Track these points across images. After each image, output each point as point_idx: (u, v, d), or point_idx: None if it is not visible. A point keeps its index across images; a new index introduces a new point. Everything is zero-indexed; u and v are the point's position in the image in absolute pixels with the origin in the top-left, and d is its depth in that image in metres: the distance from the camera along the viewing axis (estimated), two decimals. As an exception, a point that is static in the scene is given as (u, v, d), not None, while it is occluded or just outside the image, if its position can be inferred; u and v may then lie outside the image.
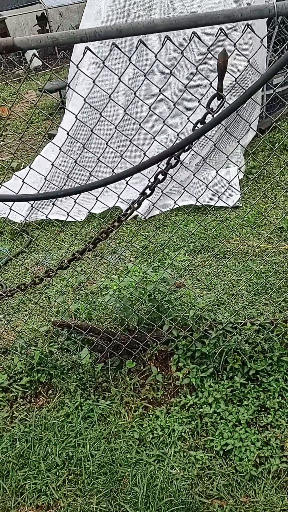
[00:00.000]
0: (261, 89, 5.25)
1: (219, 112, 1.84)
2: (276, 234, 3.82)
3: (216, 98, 1.85)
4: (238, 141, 2.21)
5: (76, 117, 2.19)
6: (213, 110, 1.89)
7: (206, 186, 2.14)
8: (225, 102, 1.85)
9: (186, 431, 2.30)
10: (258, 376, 2.51)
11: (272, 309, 2.95)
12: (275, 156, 4.96)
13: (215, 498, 2.01)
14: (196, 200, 2.27)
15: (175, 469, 2.14)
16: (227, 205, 4.03)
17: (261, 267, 3.39)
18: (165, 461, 2.18)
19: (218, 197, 2.22)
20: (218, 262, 3.57)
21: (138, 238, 4.08)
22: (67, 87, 7.04)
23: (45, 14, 12.67)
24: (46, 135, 7.16)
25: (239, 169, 2.09)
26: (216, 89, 1.84)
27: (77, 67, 1.85)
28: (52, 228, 4.45)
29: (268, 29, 5.36)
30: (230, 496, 2.00)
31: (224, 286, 3.21)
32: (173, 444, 2.25)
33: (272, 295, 3.11)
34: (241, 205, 4.32)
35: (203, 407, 2.39)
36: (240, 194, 4.09)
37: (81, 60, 1.95)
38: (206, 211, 4.19)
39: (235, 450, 2.16)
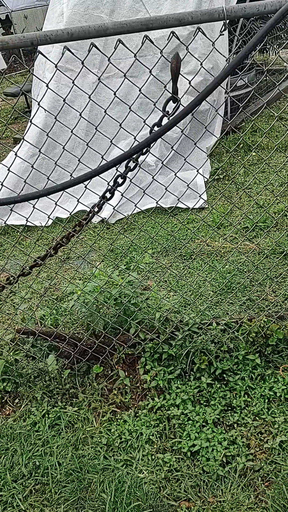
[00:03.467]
0: (224, 91, 5.33)
1: (174, 115, 1.85)
2: (241, 234, 3.87)
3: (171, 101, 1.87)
4: (195, 143, 2.22)
5: (36, 125, 2.15)
6: (169, 113, 1.90)
7: (166, 189, 2.15)
8: (181, 105, 1.86)
9: (154, 434, 2.30)
10: (224, 375, 2.53)
11: (237, 308, 2.99)
12: (239, 157, 5.03)
13: (182, 500, 2.01)
14: (156, 202, 2.28)
15: (143, 473, 2.13)
16: (192, 207, 4.07)
17: (226, 267, 3.43)
18: (133, 465, 2.17)
19: (178, 199, 2.22)
20: (185, 264, 3.59)
21: (105, 241, 4.06)
22: (32, 90, 6.96)
23: (9, 17, 12.51)
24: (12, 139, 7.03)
25: (197, 170, 2.10)
26: (171, 92, 1.85)
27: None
28: (18, 234, 4.38)
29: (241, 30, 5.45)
30: (198, 497, 2.00)
31: (190, 287, 3.23)
32: (141, 447, 2.24)
33: (237, 294, 3.14)
34: (206, 206, 4.36)
35: (170, 409, 2.40)
36: (200, 196, 4.12)
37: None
38: (173, 213, 4.21)
39: (202, 450, 2.16)
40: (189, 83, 1.89)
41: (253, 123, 5.65)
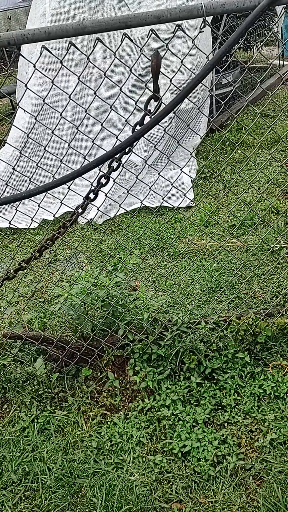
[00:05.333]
0: (209, 89, 5.32)
1: (156, 114, 1.83)
2: (228, 232, 3.86)
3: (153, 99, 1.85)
4: (178, 142, 2.20)
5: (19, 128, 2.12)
6: (151, 112, 1.88)
7: (150, 188, 2.13)
8: (163, 103, 1.84)
9: (145, 436, 2.28)
10: (214, 374, 2.52)
11: (225, 306, 2.98)
12: (225, 155, 5.03)
13: (174, 502, 1.99)
14: (141, 202, 2.26)
15: (134, 475, 2.11)
16: (177, 206, 4.06)
17: (214, 265, 3.42)
18: (124, 468, 2.15)
19: (163, 198, 2.20)
20: (172, 263, 3.58)
21: (93, 243, 4.03)
22: (16, 92, 6.91)
23: (-8, 18, 12.39)
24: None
25: (181, 169, 2.09)
26: (152, 90, 1.83)
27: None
28: (5, 237, 4.33)
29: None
30: (189, 498, 1.99)
31: (179, 286, 3.22)
32: (132, 450, 2.22)
33: (226, 293, 3.14)
34: (193, 204, 4.35)
35: (161, 410, 2.38)
36: (185, 195, 4.11)
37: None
38: (160, 212, 4.20)
39: (193, 451, 2.15)
40: (170, 81, 1.87)
41: (238, 121, 5.65)
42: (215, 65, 1.66)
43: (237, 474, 2.06)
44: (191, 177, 4.69)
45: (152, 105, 1.87)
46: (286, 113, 5.76)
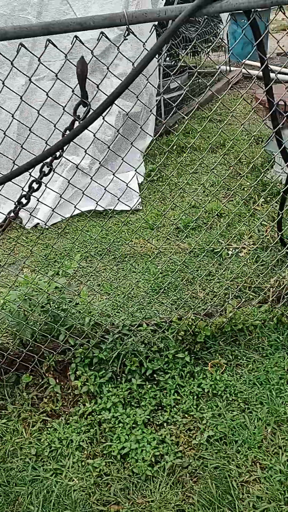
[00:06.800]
0: (155, 93, 5.39)
1: (85, 119, 1.84)
2: (174, 234, 3.93)
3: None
4: (131, 143, 2.24)
5: None
6: (80, 117, 1.89)
7: (106, 190, 2.14)
8: (90, 109, 1.86)
9: (85, 440, 2.28)
10: (155, 375, 2.55)
11: (168, 308, 3.03)
12: (172, 159, 5.11)
13: (112, 504, 2.00)
14: (97, 203, 2.27)
15: (73, 480, 2.11)
16: (127, 209, 4.08)
17: (158, 267, 3.47)
18: (63, 473, 2.14)
19: (119, 198, 2.22)
20: (118, 266, 3.60)
21: (38, 246, 3.99)
22: None
23: None
24: None
25: (135, 170, 2.11)
26: (80, 96, 1.84)
27: None
28: None
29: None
30: (127, 499, 2.01)
31: (123, 289, 3.24)
32: (71, 455, 2.22)
33: (169, 294, 3.19)
34: (141, 207, 4.39)
35: (102, 413, 2.39)
36: (139, 197, 4.15)
37: None
38: (108, 215, 4.21)
39: (132, 452, 2.17)
40: (99, 86, 1.89)
41: (186, 125, 5.76)
42: (138, 74, 1.69)
43: (175, 472, 2.10)
44: (140, 179, 4.74)
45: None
46: (234, 117, 5.93)
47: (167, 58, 7.21)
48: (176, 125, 5.98)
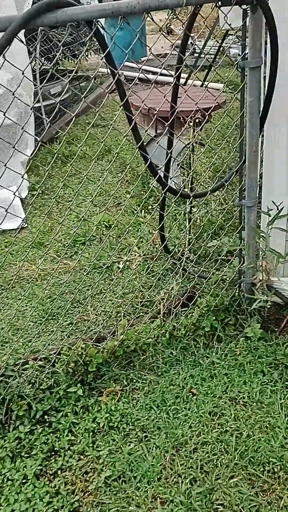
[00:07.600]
0: (38, 100, 5.11)
1: None
2: (62, 251, 3.72)
3: None
4: (14, 147, 1.97)
5: None
6: None
7: None
8: None
9: None
10: (46, 416, 2.34)
11: (58, 336, 2.82)
12: (57, 169, 4.88)
13: None
14: None
15: None
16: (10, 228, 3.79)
17: (46, 291, 3.24)
18: None
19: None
20: (2, 295, 3.30)
21: None
22: None
23: None
24: None
25: (16, 190, 1.84)
26: None
27: None
28: None
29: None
30: None
31: (7, 321, 2.96)
32: None
33: (59, 320, 2.98)
34: (26, 225, 4.11)
35: (-14, 473, 2.12)
36: (21, 217, 3.87)
37: None
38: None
39: (22, 514, 1.94)
40: None
41: (70, 132, 5.55)
42: None
43: (71, 527, 1.92)
44: (22, 195, 4.44)
45: None
46: (115, 123, 5.84)
47: (46, 62, 6.92)
48: (59, 133, 5.74)
